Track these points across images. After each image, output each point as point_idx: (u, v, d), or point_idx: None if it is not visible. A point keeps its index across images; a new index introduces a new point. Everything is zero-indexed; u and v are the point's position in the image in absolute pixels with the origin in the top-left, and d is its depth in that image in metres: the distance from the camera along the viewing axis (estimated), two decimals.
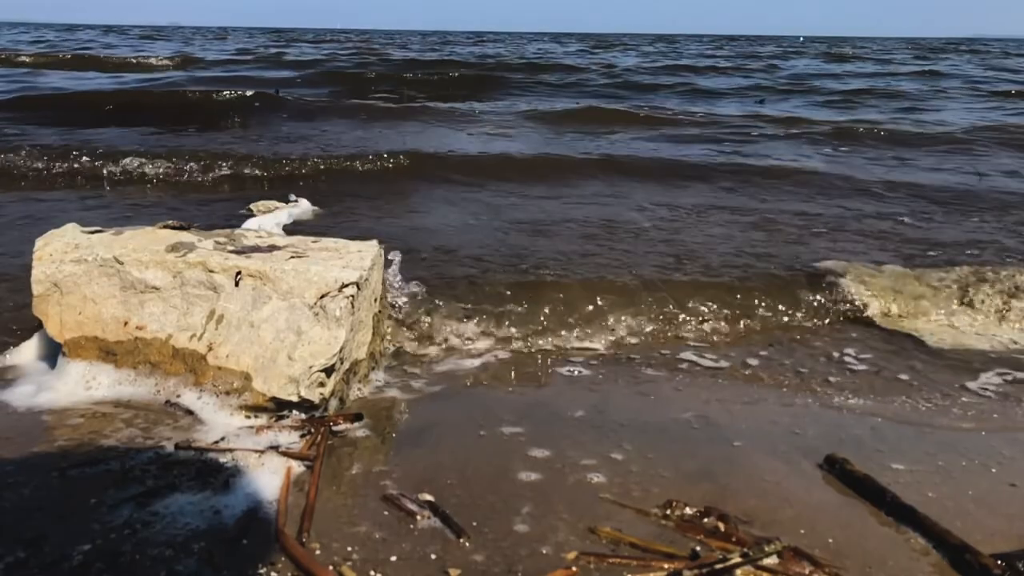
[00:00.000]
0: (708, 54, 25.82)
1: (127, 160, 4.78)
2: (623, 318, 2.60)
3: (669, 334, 2.55)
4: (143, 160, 4.79)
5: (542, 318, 2.56)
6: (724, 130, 7.36)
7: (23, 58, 15.36)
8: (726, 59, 21.76)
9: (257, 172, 4.88)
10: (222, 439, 1.74)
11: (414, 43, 33.08)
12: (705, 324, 2.62)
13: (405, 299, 2.53)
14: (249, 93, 7.57)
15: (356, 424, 1.85)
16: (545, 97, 10.81)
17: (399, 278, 2.58)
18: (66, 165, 4.78)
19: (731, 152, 6.22)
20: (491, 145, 6.20)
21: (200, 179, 4.74)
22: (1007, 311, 2.60)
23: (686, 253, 3.29)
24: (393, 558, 1.36)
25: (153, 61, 15.33)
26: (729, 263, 3.15)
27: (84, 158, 4.83)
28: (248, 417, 1.84)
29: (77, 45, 22.70)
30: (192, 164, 4.82)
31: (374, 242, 2.22)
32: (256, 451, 1.70)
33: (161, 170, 4.75)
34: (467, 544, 1.41)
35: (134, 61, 15.38)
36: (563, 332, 2.51)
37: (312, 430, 1.80)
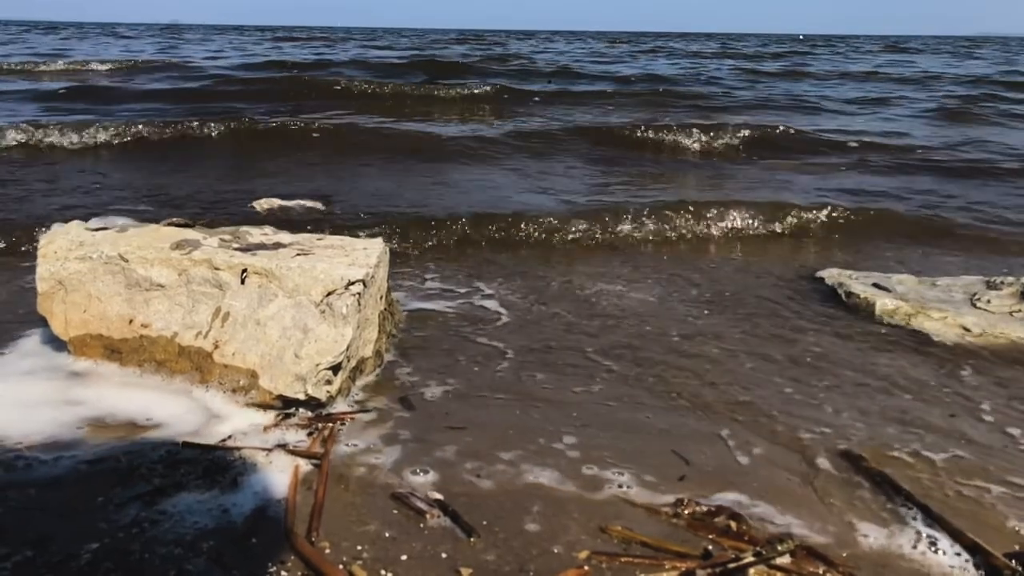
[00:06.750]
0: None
1: None
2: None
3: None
4: None
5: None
6: None
7: None
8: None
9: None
10: (229, 437, 1.73)
11: (413, 43, 32.55)
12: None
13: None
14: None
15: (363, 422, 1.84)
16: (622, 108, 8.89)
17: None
18: None
19: None
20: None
21: None
22: (1017, 311, 2.59)
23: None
24: (404, 557, 1.35)
25: None
26: None
27: None
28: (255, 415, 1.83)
29: None
30: None
31: (379, 239, 2.21)
32: (263, 449, 1.68)
33: None
34: (478, 543, 1.40)
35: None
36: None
37: (319, 428, 1.78)
